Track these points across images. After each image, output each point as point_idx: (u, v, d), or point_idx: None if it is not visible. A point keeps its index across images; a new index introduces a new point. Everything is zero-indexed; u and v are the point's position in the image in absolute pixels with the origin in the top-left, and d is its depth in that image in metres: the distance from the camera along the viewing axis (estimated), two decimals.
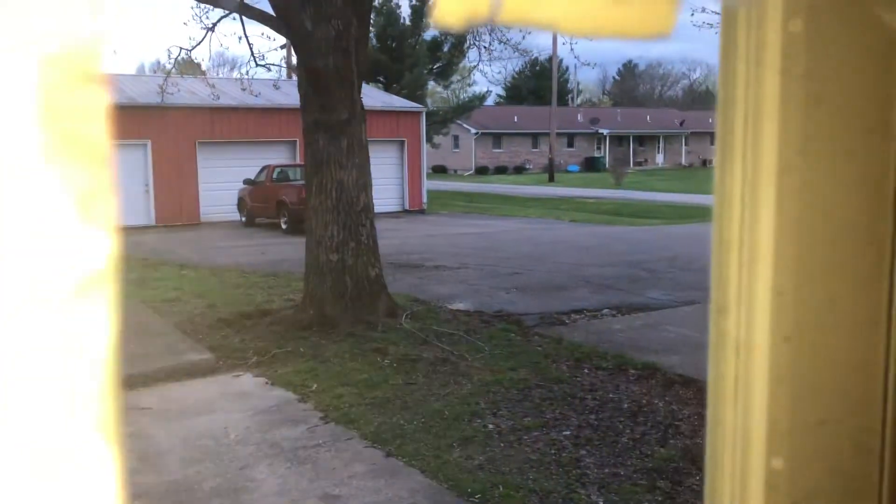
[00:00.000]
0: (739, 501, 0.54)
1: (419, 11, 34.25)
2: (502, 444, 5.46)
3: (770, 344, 0.51)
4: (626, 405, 6.23)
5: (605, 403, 6.29)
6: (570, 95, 68.38)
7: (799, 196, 0.52)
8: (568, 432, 5.69)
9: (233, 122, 22.01)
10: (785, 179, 0.52)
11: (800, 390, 0.52)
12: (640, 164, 56.91)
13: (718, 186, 0.55)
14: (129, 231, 19.92)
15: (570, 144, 55.77)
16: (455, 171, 53.10)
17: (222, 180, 21.86)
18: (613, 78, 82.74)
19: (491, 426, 5.82)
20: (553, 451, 5.33)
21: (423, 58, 34.53)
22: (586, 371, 7.16)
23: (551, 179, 42.79)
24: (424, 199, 25.43)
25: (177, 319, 9.28)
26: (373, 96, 26.01)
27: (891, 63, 0.52)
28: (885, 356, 0.54)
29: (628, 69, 78.78)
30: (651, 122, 60.63)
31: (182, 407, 6.38)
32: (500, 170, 52.73)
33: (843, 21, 0.50)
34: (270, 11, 8.85)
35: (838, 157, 0.53)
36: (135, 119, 20.73)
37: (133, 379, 6.98)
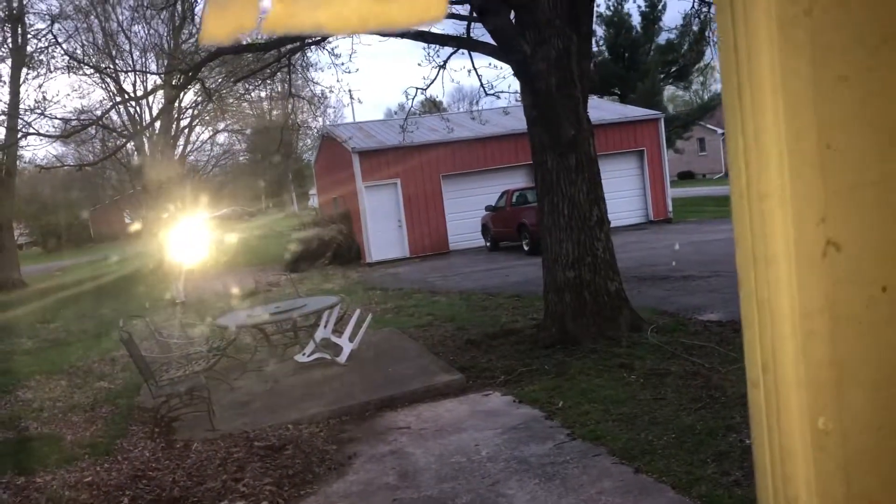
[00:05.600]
0: (780, 464, 0.48)
1: (650, 17, 33.40)
2: None
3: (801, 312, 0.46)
4: None
5: None
6: None
7: None
8: None
9: (471, 153, 22.90)
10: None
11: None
12: None
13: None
14: (386, 264, 21.42)
15: None
16: (703, 175, 50.63)
17: (466, 209, 22.81)
18: None
19: (748, 441, 5.44)
20: None
21: (655, 64, 33.54)
22: None
23: None
24: (669, 208, 24.52)
25: (429, 343, 9.79)
26: (606, 109, 25.70)
27: None
28: None
29: None
30: None
31: (436, 425, 6.70)
32: None
33: None
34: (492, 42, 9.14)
35: None
36: (386, 161, 22.33)
37: (393, 400, 7.49)
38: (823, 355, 0.50)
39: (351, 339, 9.22)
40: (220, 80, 19.97)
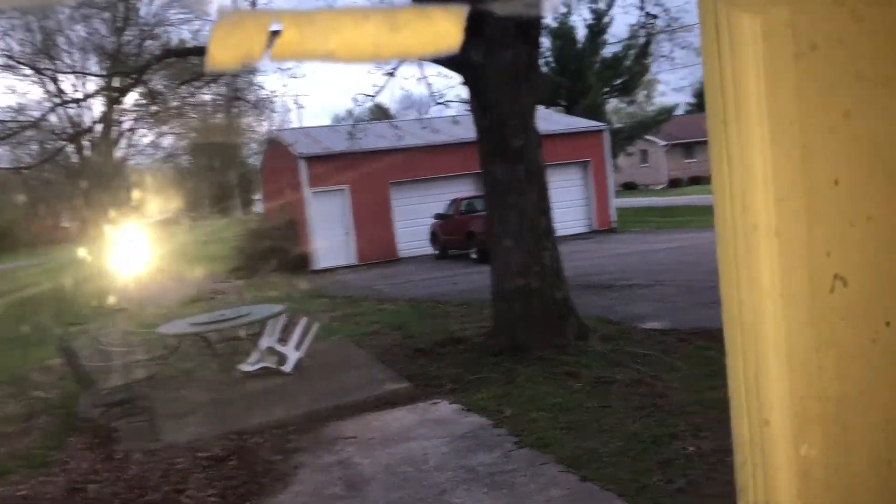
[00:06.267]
0: (766, 490, 0.49)
1: (595, 29, 33.95)
2: (704, 467, 5.19)
3: (786, 332, 0.47)
4: None
5: None
6: None
7: None
8: None
9: (420, 160, 22.92)
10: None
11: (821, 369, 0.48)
12: None
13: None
14: (333, 271, 21.25)
15: None
16: (646, 186, 51.64)
17: (415, 216, 22.82)
18: None
19: (691, 448, 5.55)
20: None
21: (601, 76, 34.08)
22: None
23: None
24: (613, 218, 24.92)
25: (377, 351, 9.74)
26: (552, 120, 26.02)
27: None
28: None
29: None
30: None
31: (384, 435, 6.67)
32: (695, 180, 50.52)
33: None
34: None
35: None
36: (333, 167, 22.17)
37: (340, 409, 7.42)
38: (810, 389, 0.51)
39: (297, 348, 9.11)
40: (164, 83, 19.61)
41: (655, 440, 5.76)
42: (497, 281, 8.97)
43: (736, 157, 0.54)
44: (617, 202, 26.41)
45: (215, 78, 13.82)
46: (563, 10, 33.62)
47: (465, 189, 22.91)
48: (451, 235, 20.86)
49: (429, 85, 14.34)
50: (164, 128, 31.72)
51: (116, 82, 13.66)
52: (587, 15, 33.97)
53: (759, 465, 0.50)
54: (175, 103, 22.94)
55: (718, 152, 0.56)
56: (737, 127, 0.54)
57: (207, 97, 23.42)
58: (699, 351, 8.12)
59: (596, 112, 31.09)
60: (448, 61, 9.18)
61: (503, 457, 5.82)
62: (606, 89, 35.13)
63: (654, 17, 13.31)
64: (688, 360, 7.79)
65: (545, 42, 34.00)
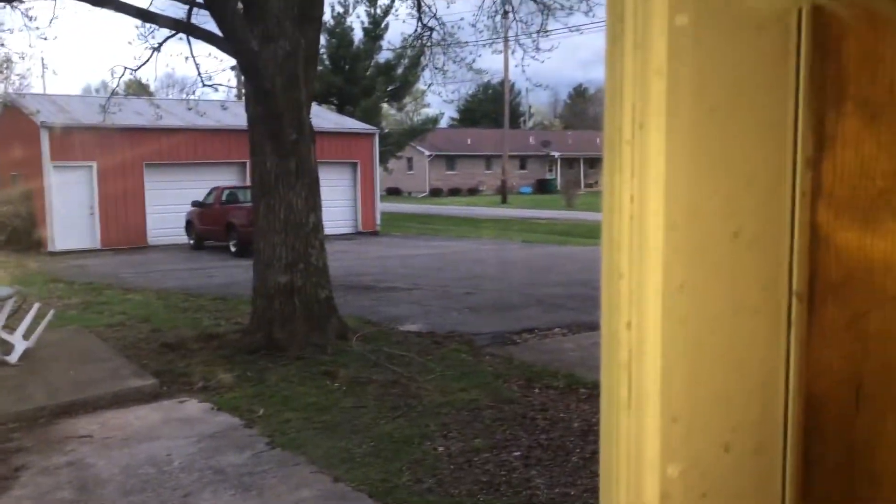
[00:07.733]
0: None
1: (372, 34, 34.34)
2: (452, 467, 5.40)
3: (662, 352, 0.49)
4: (576, 424, 6.23)
5: (556, 423, 6.28)
6: (522, 118, 69.06)
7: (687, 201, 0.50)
8: (518, 453, 5.66)
9: (181, 144, 21.69)
10: (672, 185, 0.50)
11: (695, 393, 0.50)
12: (590, 185, 57.58)
13: (607, 188, 0.54)
14: (73, 255, 19.44)
15: (523, 166, 56.27)
16: (409, 193, 53.11)
17: (170, 202, 21.49)
18: (565, 101, 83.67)
19: (441, 448, 5.76)
20: (503, 473, 5.30)
21: (378, 81, 34.53)
22: (537, 390, 7.15)
23: (504, 201, 43.11)
24: (378, 221, 25.35)
25: (121, 344, 9.05)
26: (325, 117, 25.92)
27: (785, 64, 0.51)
28: (786, 369, 0.53)
29: (578, 93, 79.76)
30: (601, 144, 61.56)
31: (124, 434, 6.19)
32: (454, 192, 52.92)
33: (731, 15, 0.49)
34: (217, 31, 8.74)
35: (732, 163, 0.52)
36: (80, 141, 20.28)
37: (74, 406, 6.77)
38: (683, 409, 0.52)
39: (26, 337, 8.21)
40: None
41: (407, 440, 5.90)
42: (259, 276, 8.71)
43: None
44: (382, 206, 26.91)
45: None
46: (341, 9, 33.63)
47: (227, 178, 22.06)
48: (210, 226, 19.96)
49: (197, 65, 13.59)
50: None
51: None
52: (364, 18, 34.29)
53: (624, 485, 0.51)
54: None
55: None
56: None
57: None
58: (453, 353, 8.47)
59: (368, 116, 31.39)
60: (223, 43, 8.77)
61: (254, 458, 5.65)
62: (377, 93, 35.66)
63: (431, 29, 13.75)
64: (442, 361, 8.09)
65: (321, 39, 33.64)
